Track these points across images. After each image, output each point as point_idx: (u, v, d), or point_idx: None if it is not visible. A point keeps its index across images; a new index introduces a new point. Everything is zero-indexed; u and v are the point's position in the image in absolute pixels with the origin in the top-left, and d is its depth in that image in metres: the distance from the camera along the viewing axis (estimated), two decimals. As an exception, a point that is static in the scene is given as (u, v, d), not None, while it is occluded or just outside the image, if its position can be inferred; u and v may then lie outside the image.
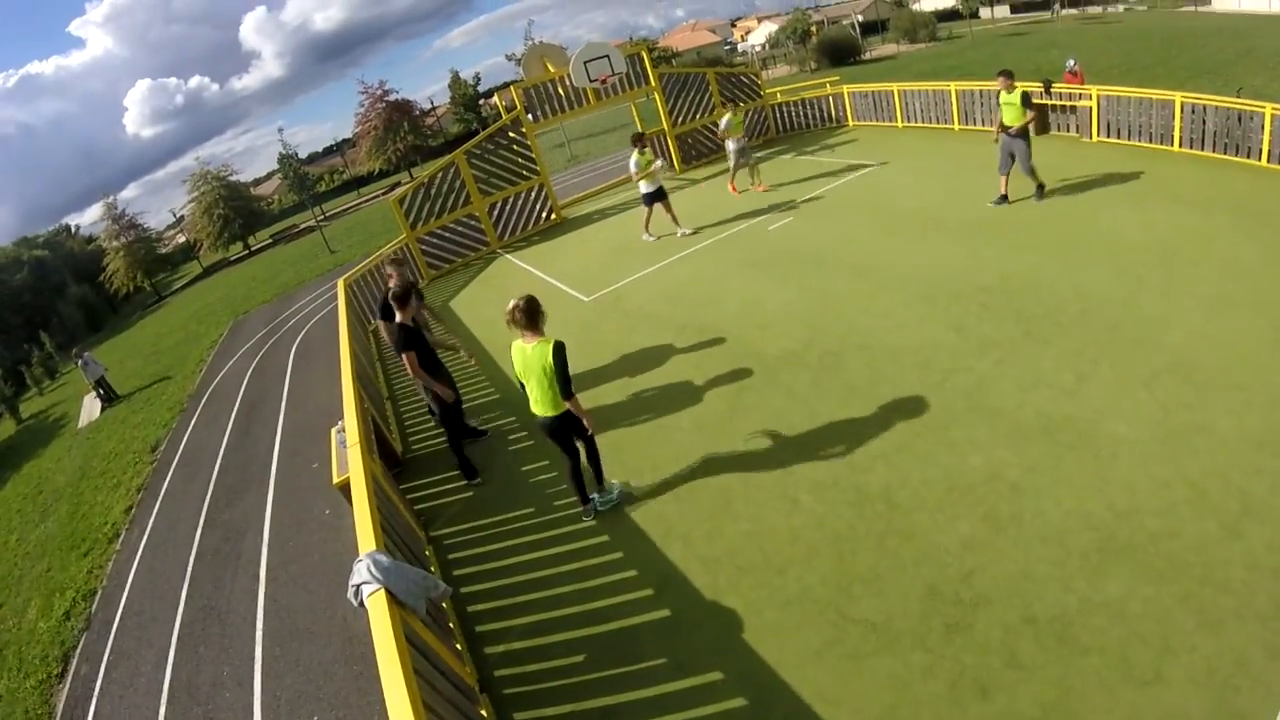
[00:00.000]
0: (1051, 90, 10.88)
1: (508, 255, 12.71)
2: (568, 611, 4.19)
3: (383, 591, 3.10)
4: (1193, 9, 36.31)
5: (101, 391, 14.78)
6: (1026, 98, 8.03)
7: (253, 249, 39.58)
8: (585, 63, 12.67)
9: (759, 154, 13.90)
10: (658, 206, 10.36)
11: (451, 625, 4.20)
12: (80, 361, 14.83)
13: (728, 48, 67.10)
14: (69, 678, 5.68)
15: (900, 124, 13.95)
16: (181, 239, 45.93)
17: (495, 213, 13.23)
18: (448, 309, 10.71)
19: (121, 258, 36.55)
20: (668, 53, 50.64)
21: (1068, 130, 10.99)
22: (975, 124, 12.35)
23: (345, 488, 4.74)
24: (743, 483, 4.82)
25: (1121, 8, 42.71)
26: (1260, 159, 8.13)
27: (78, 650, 5.97)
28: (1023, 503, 4.00)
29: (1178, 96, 9.03)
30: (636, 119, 16.75)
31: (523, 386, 4.47)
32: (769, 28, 62.60)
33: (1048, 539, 3.72)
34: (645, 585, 4.20)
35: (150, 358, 19.02)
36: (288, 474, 7.66)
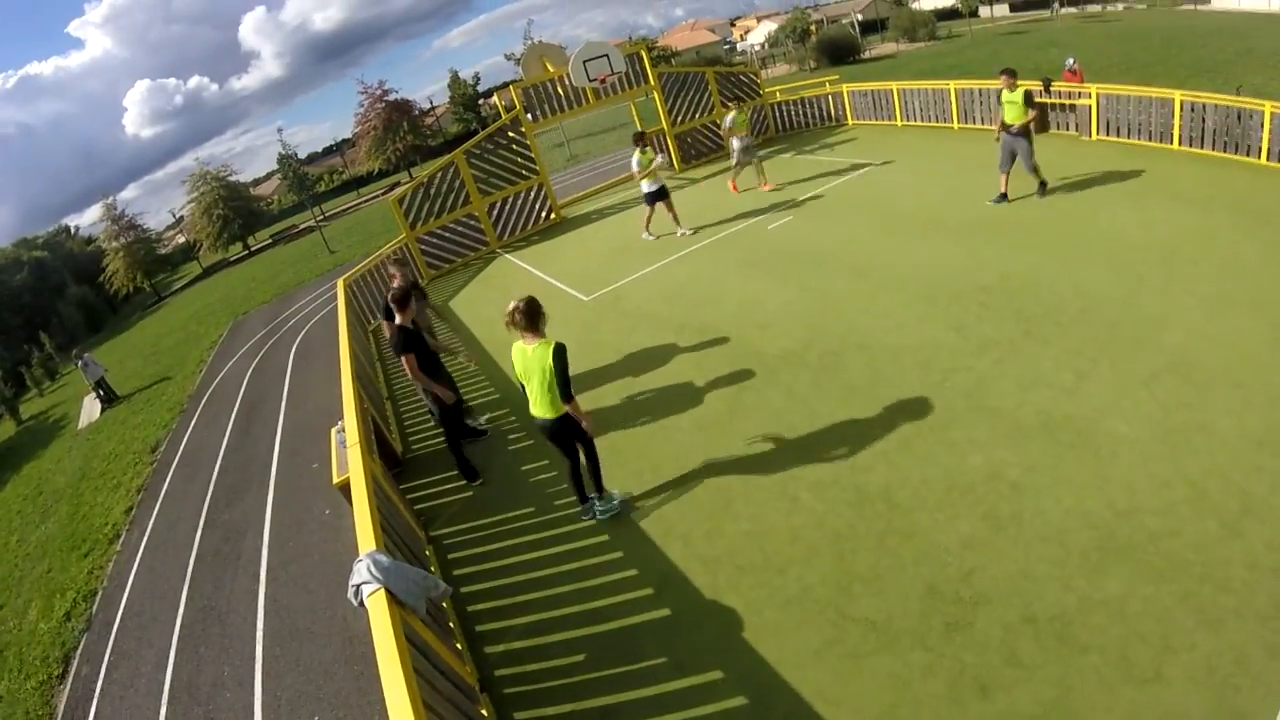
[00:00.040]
0: (1051, 89, 10.88)
1: (507, 255, 12.71)
2: (568, 611, 4.19)
3: (383, 591, 3.10)
4: (1192, 8, 36.27)
5: (101, 392, 14.78)
6: (1029, 96, 8.03)
7: (252, 249, 39.55)
8: (584, 62, 12.68)
9: (760, 153, 13.89)
10: (659, 206, 10.33)
11: (451, 625, 4.20)
12: (80, 362, 14.84)
13: (727, 47, 67.11)
14: (70, 678, 5.68)
15: (900, 123, 13.95)
16: (181, 239, 45.92)
17: (495, 212, 13.23)
18: (447, 309, 10.72)
19: (121, 258, 36.56)
20: (667, 52, 50.70)
21: (1067, 129, 10.98)
22: (975, 123, 12.34)
23: (345, 488, 4.75)
24: (742, 482, 4.82)
25: (1121, 6, 42.63)
26: (1260, 157, 8.13)
27: (78, 651, 5.97)
28: (1023, 502, 4.00)
29: (1177, 95, 9.03)
30: (636, 118, 16.76)
31: (523, 388, 4.45)
32: (768, 27, 62.66)
33: (1048, 538, 3.72)
34: (645, 585, 4.20)
35: (150, 358, 19.03)
36: (288, 474, 7.66)
